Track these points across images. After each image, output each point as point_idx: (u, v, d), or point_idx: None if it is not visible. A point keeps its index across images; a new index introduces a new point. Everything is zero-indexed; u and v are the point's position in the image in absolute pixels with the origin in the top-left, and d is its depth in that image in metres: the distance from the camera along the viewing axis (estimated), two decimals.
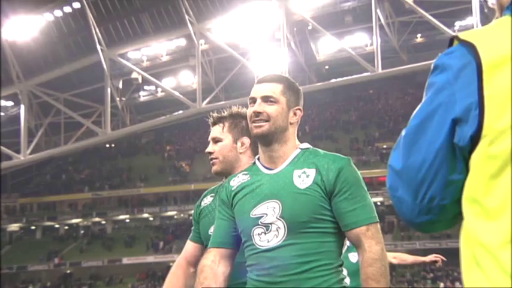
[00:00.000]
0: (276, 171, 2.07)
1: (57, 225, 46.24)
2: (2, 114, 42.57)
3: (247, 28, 37.18)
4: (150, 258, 39.29)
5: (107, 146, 49.58)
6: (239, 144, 2.57)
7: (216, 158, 2.56)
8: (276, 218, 1.97)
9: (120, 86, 40.52)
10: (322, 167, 2.02)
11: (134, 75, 39.23)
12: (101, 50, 36.43)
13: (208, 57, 40.75)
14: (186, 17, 36.81)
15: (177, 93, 38.64)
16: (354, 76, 35.15)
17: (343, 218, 1.98)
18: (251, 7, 35.77)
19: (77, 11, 36.08)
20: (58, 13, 36.40)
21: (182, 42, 39.46)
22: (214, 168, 2.58)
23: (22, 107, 38.33)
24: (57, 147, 40.49)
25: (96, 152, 49.15)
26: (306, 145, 2.18)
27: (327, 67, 41.55)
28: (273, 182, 2.04)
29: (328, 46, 39.91)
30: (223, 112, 2.66)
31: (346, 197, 1.98)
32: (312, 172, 2.02)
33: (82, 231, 45.69)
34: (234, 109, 2.67)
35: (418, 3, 34.13)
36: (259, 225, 2.00)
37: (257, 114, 2.07)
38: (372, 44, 36.10)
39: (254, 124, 2.08)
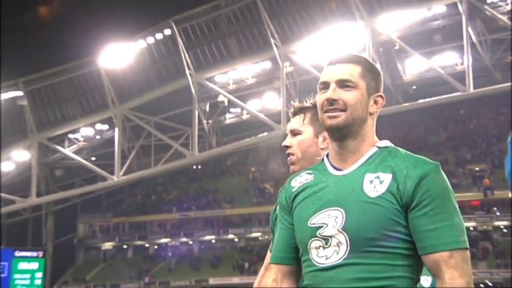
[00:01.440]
0: (345, 172, 1.72)
1: (147, 245, 47.76)
2: (98, 137, 45.11)
3: (331, 49, 36.75)
4: (236, 279, 39.56)
5: (194, 167, 51.00)
6: (321, 138, 2.27)
7: (293, 154, 2.30)
8: (338, 230, 1.62)
9: (207, 109, 41.96)
10: (400, 172, 1.64)
11: (221, 98, 40.55)
12: (190, 74, 37.93)
13: (292, 79, 41.24)
14: (271, 40, 37.73)
15: (262, 115, 39.29)
16: (444, 96, 34.37)
17: (421, 239, 1.60)
18: (336, 28, 36.11)
19: (168, 38, 37.88)
20: (150, 40, 38.31)
21: (267, 65, 40.23)
22: (292, 167, 2.30)
23: (116, 130, 40.36)
24: (147, 168, 42.18)
25: (184, 174, 50.65)
26: (385, 143, 1.78)
27: (414, 87, 40.72)
28: (339, 185, 1.69)
29: (415, 66, 39.24)
30: (306, 102, 2.38)
31: (426, 212, 1.60)
32: (387, 178, 1.64)
33: (170, 251, 47.01)
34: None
35: None
36: (317, 237, 1.66)
37: (331, 102, 1.71)
38: (462, 63, 35.19)
39: (327, 114, 1.72)
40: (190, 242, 46.80)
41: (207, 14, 39.19)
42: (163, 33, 37.73)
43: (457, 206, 1.64)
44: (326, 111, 1.70)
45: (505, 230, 38.30)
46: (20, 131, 40.60)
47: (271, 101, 42.56)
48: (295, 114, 2.38)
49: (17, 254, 39.54)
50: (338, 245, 1.60)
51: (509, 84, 32.65)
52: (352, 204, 1.61)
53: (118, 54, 37.57)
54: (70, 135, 44.12)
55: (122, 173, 39.93)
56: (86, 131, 44.14)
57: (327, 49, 37.21)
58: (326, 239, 1.62)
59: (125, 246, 48.18)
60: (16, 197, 40.34)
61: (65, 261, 46.48)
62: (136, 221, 48.54)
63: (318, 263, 1.64)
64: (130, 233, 48.42)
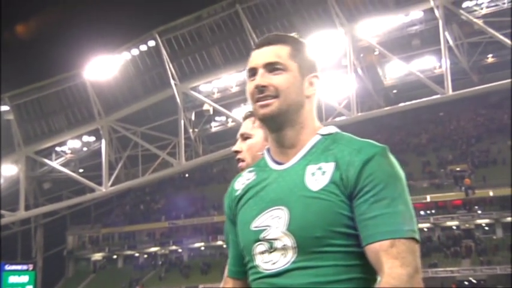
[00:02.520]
0: (286, 166, 1.52)
1: (137, 254, 47.60)
2: (85, 149, 44.86)
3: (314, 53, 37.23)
4: None
5: (181, 176, 50.91)
6: None
7: (243, 160, 2.18)
8: (282, 231, 1.44)
9: (193, 117, 41.87)
10: (343, 160, 1.44)
11: (206, 107, 40.48)
12: (174, 84, 37.95)
13: None
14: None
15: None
16: (424, 99, 34.69)
17: (361, 229, 1.40)
18: (317, 36, 36.22)
19: (152, 49, 37.91)
20: (135, 52, 38.32)
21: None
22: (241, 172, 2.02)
23: (103, 141, 40.23)
24: (135, 178, 41.99)
25: (171, 182, 50.61)
26: (329, 129, 1.57)
27: (395, 91, 41.21)
28: (281, 181, 1.50)
29: (395, 70, 39.70)
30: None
31: (367, 198, 1.40)
32: (329, 167, 1.45)
33: (160, 260, 46.85)
34: None
35: (488, 24, 33.47)
36: (261, 241, 1.48)
37: (261, 89, 1.50)
38: (440, 67, 35.58)
39: (259, 103, 1.51)
40: (180, 250, 46.76)
41: (190, 24, 39.25)
42: (147, 44, 37.77)
43: (405, 193, 1.43)
44: (257, 100, 1.51)
45: (486, 228, 38.88)
46: (7, 145, 40.24)
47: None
48: (245, 118, 2.25)
49: (7, 267, 39.27)
50: (284, 248, 1.43)
51: (487, 85, 33.36)
52: (295, 201, 1.43)
53: (103, 67, 37.53)
54: (57, 148, 43.98)
55: (110, 183, 39.76)
56: (73, 143, 43.97)
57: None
58: (270, 243, 1.44)
59: (115, 257, 48.00)
60: (4, 211, 40.03)
61: (55, 274, 46.24)
62: (125, 231, 48.37)
63: (264, 269, 1.46)
64: (119, 243, 48.26)
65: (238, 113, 42.18)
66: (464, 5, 34.80)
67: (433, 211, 39.32)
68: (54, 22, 48.29)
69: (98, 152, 42.20)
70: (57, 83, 40.99)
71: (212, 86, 41.28)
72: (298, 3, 37.49)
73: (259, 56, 1.51)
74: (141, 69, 38.91)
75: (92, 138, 44.00)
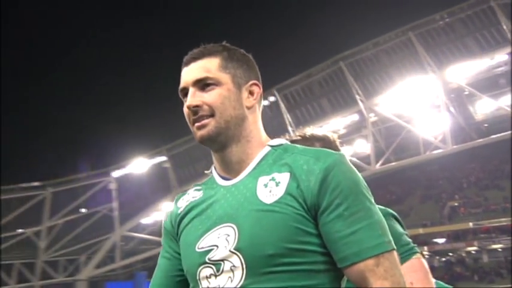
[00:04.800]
0: (235, 180, 1.26)
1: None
2: None
3: (409, 99, 38.40)
4: None
5: None
6: None
7: None
8: (230, 251, 1.14)
9: None
10: (299, 169, 1.19)
11: None
12: (292, 131, 40.91)
13: (377, 126, 42.54)
14: (357, 97, 39.51)
15: (354, 159, 40.07)
16: None
17: (339, 248, 1.13)
18: (411, 81, 37.35)
19: (273, 103, 41.12)
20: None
21: (355, 117, 41.86)
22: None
23: None
24: None
25: None
26: (279, 140, 1.34)
27: (486, 125, 41.09)
28: (229, 196, 1.23)
29: (485, 106, 39.81)
30: (296, 135, 2.11)
31: (340, 213, 1.14)
32: (284, 178, 1.19)
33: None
34: (308, 130, 2.17)
35: None
36: (207, 263, 1.17)
37: (194, 109, 1.25)
38: None
39: (195, 125, 1.26)
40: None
41: (302, 81, 41.96)
42: (268, 100, 40.84)
43: (372, 199, 1.21)
44: (193, 122, 1.27)
45: None
46: (165, 188, 44.31)
47: (361, 146, 43.93)
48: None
49: None
50: (232, 270, 1.14)
51: None
52: (245, 217, 1.16)
53: None
54: None
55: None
56: None
57: (405, 99, 38.53)
58: (217, 264, 1.16)
59: None
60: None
61: None
62: None
63: None
64: None
65: (346, 151, 43.89)
66: None
67: None
68: None
69: None
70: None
71: (323, 130, 43.35)
72: (393, 57, 38.86)
73: (188, 74, 1.28)
74: (265, 120, 42.18)
75: None
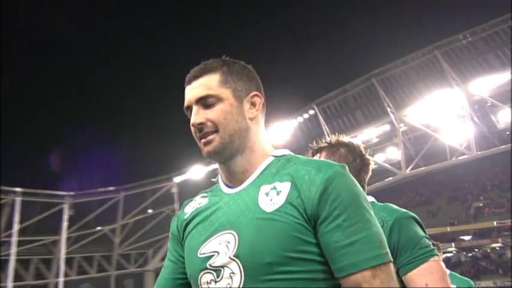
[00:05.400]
0: (239, 188, 1.26)
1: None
2: None
3: (436, 110, 39.30)
4: None
5: None
6: None
7: None
8: (230, 257, 1.13)
9: None
10: (300, 179, 1.17)
11: None
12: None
13: (407, 135, 43.41)
14: (388, 109, 40.78)
15: (386, 165, 41.92)
16: None
17: (336, 258, 1.11)
18: (437, 94, 38.50)
19: (312, 116, 43.18)
20: (300, 119, 43.82)
21: (387, 127, 43.29)
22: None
23: None
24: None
25: None
26: (283, 151, 1.33)
27: (507, 133, 41.42)
28: (232, 204, 1.23)
29: (506, 116, 39.86)
30: (323, 141, 2.10)
31: (339, 224, 1.11)
32: (285, 187, 1.17)
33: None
34: (334, 138, 2.15)
35: None
36: (208, 269, 1.17)
37: (198, 127, 1.26)
38: None
39: (202, 141, 1.27)
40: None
41: (339, 95, 43.52)
42: (308, 113, 43.15)
43: (372, 212, 1.16)
44: (200, 139, 1.28)
45: None
46: None
47: (392, 153, 45.37)
48: (313, 154, 2.11)
49: None
50: (231, 276, 1.13)
51: None
52: (246, 224, 1.16)
53: (278, 132, 42.54)
54: None
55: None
56: None
57: (432, 110, 39.35)
58: (218, 270, 1.15)
59: None
60: None
61: None
62: None
63: None
64: None
65: (379, 158, 45.16)
66: None
67: None
68: None
69: None
70: None
71: (357, 140, 44.84)
72: (421, 73, 40.04)
73: (191, 93, 1.28)
74: (305, 131, 43.67)
75: None
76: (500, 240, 42.95)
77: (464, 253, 45.82)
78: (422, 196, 53.53)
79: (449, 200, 50.59)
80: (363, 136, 44.95)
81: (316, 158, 1.92)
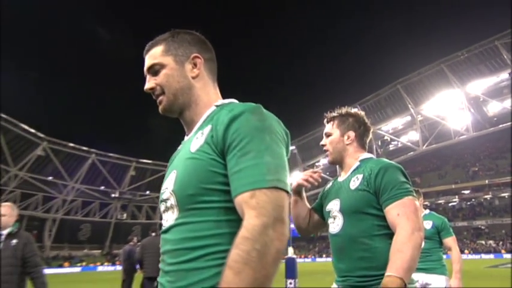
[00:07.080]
0: (188, 136, 1.32)
1: None
2: None
3: (443, 105, 46.68)
4: None
5: None
6: (345, 137, 2.07)
7: (327, 150, 2.10)
8: (169, 192, 1.21)
9: (379, 144, 53.09)
10: (216, 120, 1.19)
11: (386, 137, 52.22)
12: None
13: (423, 123, 50.44)
14: (409, 105, 48.81)
15: (409, 143, 50.52)
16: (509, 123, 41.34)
17: (230, 184, 1.12)
18: (444, 94, 46.02)
19: None
20: None
21: (408, 118, 51.18)
22: (328, 159, 2.10)
23: None
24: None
25: None
26: (225, 101, 1.32)
27: (495, 119, 47.55)
28: (182, 149, 1.29)
29: (494, 107, 47.10)
30: (334, 112, 2.12)
31: (234, 153, 1.11)
32: (206, 130, 1.21)
33: None
34: (344, 109, 2.14)
35: None
36: (163, 200, 1.24)
37: (150, 92, 1.33)
38: None
39: (157, 102, 1.33)
40: None
41: (373, 98, 51.25)
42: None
43: (275, 145, 1.13)
44: (156, 100, 1.34)
45: None
46: (294, 165, 53.92)
47: (412, 136, 52.68)
48: (327, 122, 2.14)
49: None
50: (172, 207, 1.20)
51: None
52: (181, 164, 1.21)
53: None
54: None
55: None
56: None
57: (440, 104, 46.38)
58: (165, 202, 1.23)
59: None
60: None
61: None
62: None
63: (163, 226, 1.26)
64: None
65: (404, 139, 53.22)
66: None
67: None
68: None
69: None
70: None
71: (388, 127, 52.52)
72: (431, 80, 46.82)
73: (145, 64, 1.34)
74: None
75: None
76: (490, 193, 48.75)
77: (464, 202, 51.27)
78: (434, 164, 58.91)
79: (454, 167, 55.81)
80: (392, 124, 53.64)
81: (330, 124, 2.07)
